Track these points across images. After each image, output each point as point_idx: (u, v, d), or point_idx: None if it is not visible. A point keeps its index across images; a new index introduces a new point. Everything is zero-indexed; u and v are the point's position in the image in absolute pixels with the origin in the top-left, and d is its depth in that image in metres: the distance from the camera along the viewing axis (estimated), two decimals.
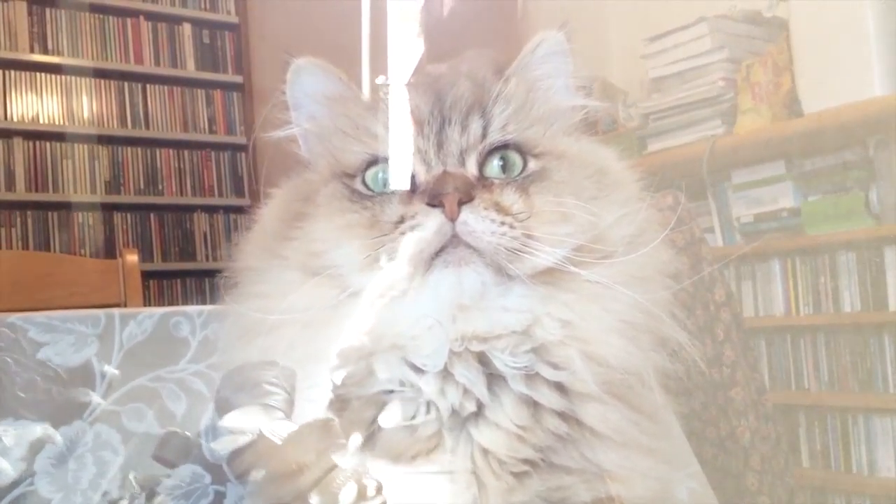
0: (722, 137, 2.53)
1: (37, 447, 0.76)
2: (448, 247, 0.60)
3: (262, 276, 0.68)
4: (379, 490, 0.58)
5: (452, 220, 0.60)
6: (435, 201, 0.61)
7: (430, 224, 0.60)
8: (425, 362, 0.62)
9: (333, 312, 0.63)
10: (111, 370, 0.80)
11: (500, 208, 0.62)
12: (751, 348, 1.62)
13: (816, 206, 2.38)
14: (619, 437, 0.64)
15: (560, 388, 0.63)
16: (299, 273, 0.65)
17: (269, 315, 0.63)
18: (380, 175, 0.66)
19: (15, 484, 0.75)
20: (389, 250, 0.61)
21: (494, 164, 0.66)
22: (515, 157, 0.67)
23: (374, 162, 0.66)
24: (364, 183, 0.66)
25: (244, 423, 0.63)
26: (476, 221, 0.60)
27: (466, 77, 0.69)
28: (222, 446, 0.67)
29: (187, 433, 0.77)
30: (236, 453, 0.64)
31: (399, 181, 0.66)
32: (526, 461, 0.61)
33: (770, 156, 2.44)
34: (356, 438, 0.61)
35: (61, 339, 0.79)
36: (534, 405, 0.62)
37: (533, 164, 0.67)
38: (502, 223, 0.61)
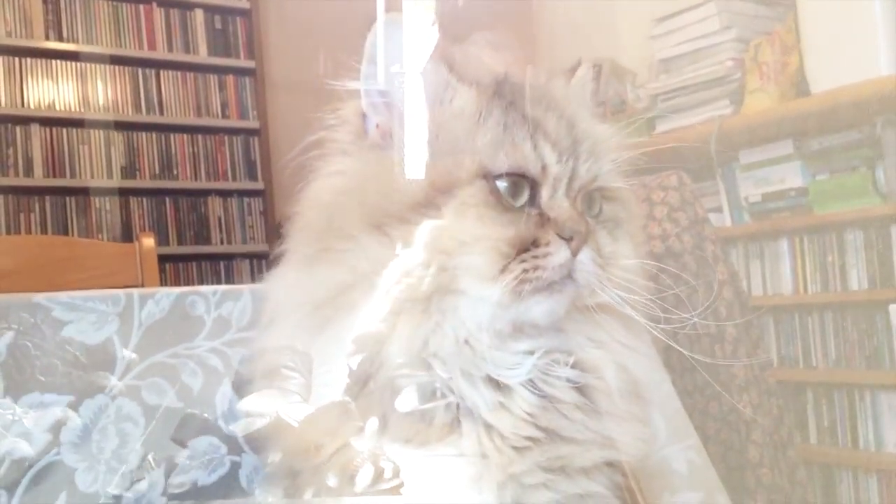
0: (730, 117, 2.54)
1: (61, 422, 0.80)
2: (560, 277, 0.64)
3: (351, 245, 0.65)
4: (396, 472, 0.61)
5: (574, 256, 0.64)
6: (567, 235, 0.64)
7: (560, 256, 0.64)
8: (506, 374, 0.64)
9: (430, 308, 0.64)
10: (130, 354, 0.83)
11: (597, 250, 0.66)
12: (754, 325, 1.65)
13: (824, 185, 2.38)
14: (623, 414, 0.68)
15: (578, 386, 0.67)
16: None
17: (363, 292, 0.64)
18: (506, 186, 0.66)
19: (42, 454, 0.78)
20: (520, 269, 0.63)
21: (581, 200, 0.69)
22: (598, 198, 0.71)
23: (509, 174, 0.66)
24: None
25: (262, 406, 0.66)
26: (588, 261, 0.65)
27: (583, 111, 0.73)
28: (240, 429, 0.71)
29: (205, 415, 0.81)
30: (254, 436, 0.68)
31: (534, 202, 0.66)
32: (528, 437, 0.65)
33: (778, 135, 2.45)
34: (373, 422, 0.63)
35: (83, 317, 0.83)
36: (549, 396, 0.66)
37: (607, 209, 0.71)
38: (599, 265, 0.66)
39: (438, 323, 0.64)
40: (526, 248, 0.63)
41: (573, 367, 0.66)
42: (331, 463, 0.62)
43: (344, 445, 0.62)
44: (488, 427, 0.64)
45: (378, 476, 0.61)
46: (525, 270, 0.63)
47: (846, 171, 2.33)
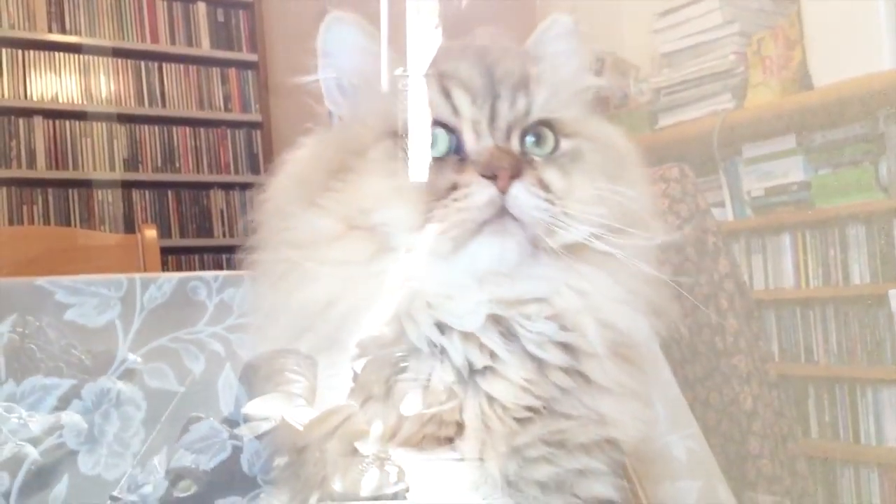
0: (733, 111, 2.54)
1: (63, 405, 0.81)
2: (494, 217, 0.64)
3: (293, 223, 0.69)
4: (401, 476, 0.61)
5: (503, 192, 0.63)
6: (489, 173, 0.64)
7: (483, 195, 0.64)
8: (460, 322, 0.65)
9: (375, 268, 0.66)
10: (134, 357, 0.84)
11: (543, 185, 0.66)
12: (755, 317, 1.65)
13: (826, 180, 2.38)
14: (616, 387, 0.68)
15: (566, 347, 0.67)
16: (336, 223, 0.67)
17: (313, 264, 0.66)
18: (429, 140, 0.68)
19: (44, 436, 0.79)
20: (441, 215, 0.64)
21: (529, 139, 0.69)
22: (549, 135, 0.70)
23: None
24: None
25: (266, 409, 0.67)
26: (525, 196, 0.64)
27: (512, 55, 0.73)
28: (246, 432, 0.71)
29: (210, 418, 0.81)
30: (259, 439, 0.68)
31: (452, 148, 0.68)
32: (529, 408, 0.65)
33: (780, 130, 2.45)
34: (378, 426, 0.63)
35: (86, 301, 0.84)
36: (540, 361, 0.66)
37: (565, 144, 0.71)
38: (546, 199, 0.65)
39: (383, 280, 0.65)
40: (446, 194, 0.64)
41: (555, 321, 0.66)
42: (336, 467, 0.63)
43: (349, 449, 0.63)
44: (490, 399, 0.65)
45: (383, 480, 0.61)
46: (448, 214, 0.63)
47: (849, 165, 2.33)
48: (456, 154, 0.67)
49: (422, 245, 0.65)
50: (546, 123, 0.70)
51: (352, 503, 0.61)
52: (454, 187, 0.64)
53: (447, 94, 0.68)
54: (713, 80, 2.61)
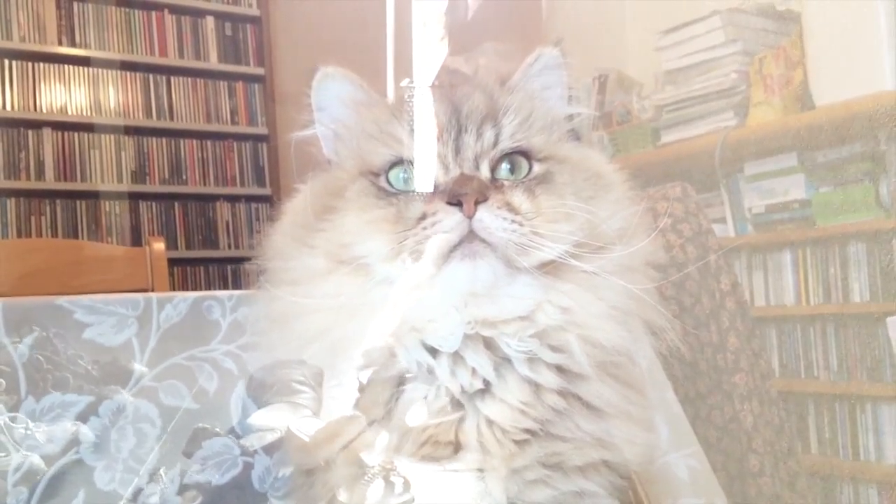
0: (734, 129, 2.56)
1: (80, 422, 0.82)
2: (464, 241, 0.66)
3: (291, 264, 0.73)
4: (406, 487, 0.63)
5: (469, 217, 0.66)
6: (454, 200, 0.67)
7: (450, 221, 0.66)
8: (441, 343, 0.67)
9: (362, 299, 0.69)
10: (140, 367, 0.85)
11: (510, 208, 0.68)
12: (756, 336, 1.66)
13: (827, 198, 2.39)
14: (610, 409, 0.70)
15: (559, 368, 0.69)
16: (326, 261, 0.71)
17: (303, 300, 0.69)
18: (401, 175, 0.72)
19: (62, 453, 0.80)
20: (412, 244, 0.67)
21: (503, 167, 0.73)
22: (522, 161, 0.73)
23: (396, 163, 0.72)
24: (387, 181, 0.72)
25: (272, 420, 0.69)
26: (490, 219, 0.66)
27: (480, 90, 0.76)
28: (251, 442, 0.73)
29: (216, 429, 0.82)
30: (266, 449, 0.70)
31: (421, 182, 0.71)
32: (526, 431, 0.67)
33: (782, 148, 2.46)
34: (384, 437, 0.65)
35: (104, 320, 0.85)
36: (535, 384, 0.68)
37: (538, 168, 0.74)
38: (513, 221, 0.67)
39: (371, 309, 0.68)
40: (416, 223, 0.67)
41: (539, 339, 0.68)
42: (341, 477, 0.65)
43: (354, 460, 0.65)
44: (489, 422, 0.67)
45: (389, 490, 0.63)
46: (418, 242, 0.66)
47: (849, 183, 2.34)
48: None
49: (400, 273, 0.68)
50: (520, 152, 0.74)
51: None
52: (423, 217, 0.68)
53: (413, 132, 0.72)
54: (716, 98, 2.63)
